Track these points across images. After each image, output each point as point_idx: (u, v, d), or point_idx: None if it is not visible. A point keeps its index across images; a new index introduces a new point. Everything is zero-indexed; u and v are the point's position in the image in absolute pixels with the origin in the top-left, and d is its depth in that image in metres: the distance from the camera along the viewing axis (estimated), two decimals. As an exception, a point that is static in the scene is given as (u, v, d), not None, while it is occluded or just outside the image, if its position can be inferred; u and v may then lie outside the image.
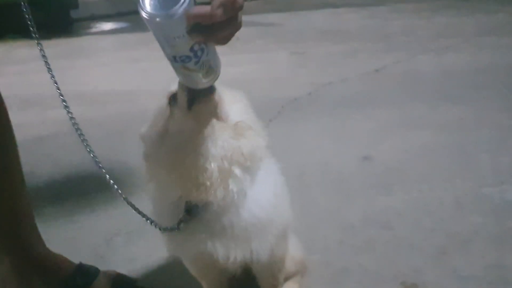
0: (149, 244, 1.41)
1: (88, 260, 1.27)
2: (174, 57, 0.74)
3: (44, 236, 1.23)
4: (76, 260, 1.25)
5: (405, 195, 1.68)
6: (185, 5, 0.66)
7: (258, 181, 0.94)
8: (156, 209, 1.01)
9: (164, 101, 0.93)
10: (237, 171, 0.89)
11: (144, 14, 0.67)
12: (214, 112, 0.88)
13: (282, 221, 1.01)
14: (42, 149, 2.19)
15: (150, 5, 0.67)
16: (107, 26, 6.39)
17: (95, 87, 3.36)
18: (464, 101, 2.61)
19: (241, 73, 3.48)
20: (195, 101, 0.86)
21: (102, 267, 1.26)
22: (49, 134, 2.37)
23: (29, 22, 0.98)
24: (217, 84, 0.90)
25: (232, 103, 0.94)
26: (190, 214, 0.92)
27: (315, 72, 3.45)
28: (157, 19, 0.67)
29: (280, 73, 3.53)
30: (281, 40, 4.69)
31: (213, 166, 0.87)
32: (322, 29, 5.18)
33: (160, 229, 0.98)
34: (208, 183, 0.87)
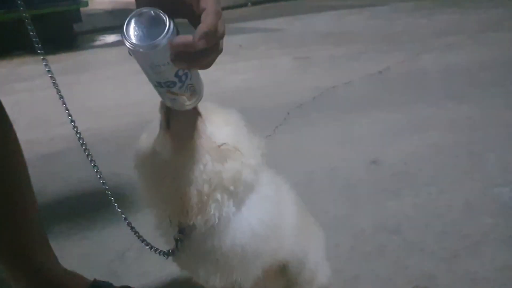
0: (161, 259, 1.41)
1: (101, 276, 1.28)
2: (159, 83, 0.75)
3: (56, 253, 1.24)
4: (89, 276, 1.26)
5: (414, 199, 1.68)
6: (168, 35, 0.68)
7: (247, 206, 0.90)
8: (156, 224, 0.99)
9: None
10: (218, 196, 0.86)
11: (128, 45, 0.69)
12: (193, 133, 0.86)
13: (274, 254, 0.94)
14: (51, 167, 2.21)
15: (134, 36, 0.69)
16: (111, 38, 6.44)
17: (101, 101, 3.39)
18: (470, 100, 2.61)
19: (245, 80, 3.50)
20: (172, 121, 0.85)
21: (115, 283, 1.28)
22: (57, 151, 2.39)
23: (33, 39, 1.00)
24: (209, 106, 0.90)
25: (223, 125, 0.91)
26: (183, 233, 0.91)
27: (319, 76, 3.46)
28: (141, 50, 0.69)
29: (284, 78, 3.53)
30: (284, 45, 4.70)
31: (191, 189, 0.84)
32: (324, 32, 5.19)
33: (161, 255, 0.97)
34: (187, 206, 0.86)
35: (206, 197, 0.85)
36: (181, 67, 0.72)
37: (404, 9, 6.12)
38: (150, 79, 0.76)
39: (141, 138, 0.96)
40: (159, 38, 0.68)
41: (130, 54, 0.72)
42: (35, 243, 1.17)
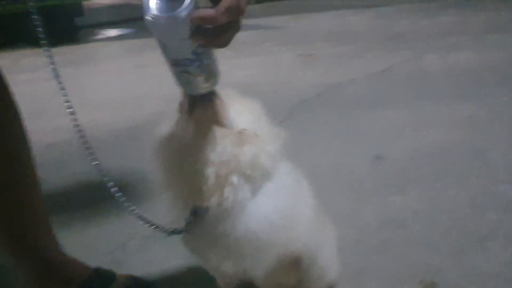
0: (164, 247, 1.41)
1: (104, 265, 1.28)
2: (176, 60, 0.74)
3: (60, 242, 1.23)
4: (92, 264, 1.25)
5: (419, 194, 1.67)
6: (189, 8, 0.68)
7: (264, 193, 0.90)
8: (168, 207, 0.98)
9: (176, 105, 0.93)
10: (234, 179, 0.86)
11: (149, 17, 0.68)
12: (215, 118, 0.87)
13: (287, 244, 0.93)
14: (54, 156, 2.20)
15: (155, 8, 0.68)
16: (113, 32, 6.43)
17: (103, 93, 3.38)
18: (474, 99, 2.60)
19: (249, 76, 3.49)
20: (197, 107, 0.86)
21: (118, 271, 1.27)
22: (60, 141, 2.38)
23: (38, 29, 0.99)
24: (232, 93, 0.91)
25: (243, 112, 0.92)
26: (196, 216, 0.90)
27: (323, 74, 3.45)
28: (161, 22, 0.68)
29: (288, 75, 3.53)
30: (288, 42, 4.69)
31: (210, 171, 0.85)
32: (328, 30, 5.18)
33: (165, 233, 0.96)
34: (204, 188, 0.86)
35: (222, 179, 0.85)
36: (199, 42, 0.71)
37: (408, 10, 6.11)
38: (168, 57, 0.75)
39: (160, 126, 0.96)
40: (180, 9, 0.67)
41: (149, 29, 0.71)
42: (38, 228, 1.16)
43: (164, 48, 0.73)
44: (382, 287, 1.25)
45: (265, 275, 0.94)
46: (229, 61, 3.75)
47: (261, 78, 3.44)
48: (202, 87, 0.81)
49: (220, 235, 0.90)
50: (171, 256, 1.37)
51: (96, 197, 1.79)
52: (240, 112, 0.91)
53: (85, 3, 6.28)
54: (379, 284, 1.25)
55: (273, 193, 0.91)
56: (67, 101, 1.02)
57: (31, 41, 5.08)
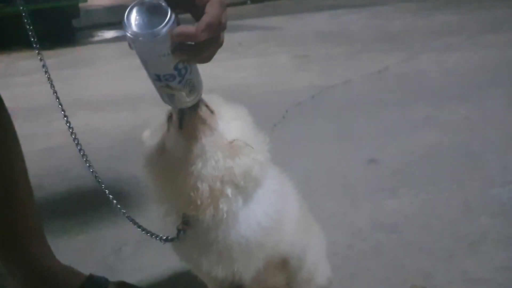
0: (157, 253, 1.41)
1: (97, 271, 1.28)
2: (158, 76, 0.74)
3: (53, 248, 1.24)
4: (85, 271, 1.25)
5: (412, 198, 1.67)
6: (169, 25, 0.68)
7: (254, 200, 0.92)
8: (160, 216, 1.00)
9: (163, 117, 0.93)
10: (229, 191, 0.87)
11: (129, 34, 0.69)
12: (205, 130, 0.87)
13: (275, 246, 0.96)
14: (49, 161, 2.20)
15: (135, 24, 0.68)
16: (109, 34, 6.43)
17: (99, 95, 3.38)
18: (469, 100, 2.61)
19: (244, 78, 3.50)
20: (185, 119, 0.86)
21: (111, 278, 1.27)
22: (56, 145, 2.38)
23: (29, 33, 0.99)
24: (218, 101, 0.91)
25: (231, 120, 0.92)
26: (187, 224, 0.92)
27: (318, 75, 3.45)
28: (141, 38, 0.68)
29: (283, 77, 3.53)
30: (283, 43, 4.70)
31: (204, 185, 0.86)
32: (324, 31, 5.18)
33: (160, 240, 0.98)
34: (198, 201, 0.87)
35: (217, 192, 0.87)
36: (180, 59, 0.72)
37: (404, 10, 6.12)
38: (149, 72, 0.75)
39: (144, 135, 0.97)
40: (160, 27, 0.67)
41: (130, 46, 0.71)
42: (31, 236, 1.17)
43: (146, 64, 0.73)
44: (374, 291, 1.26)
45: (254, 277, 0.96)
46: (224, 63, 3.76)
47: (256, 80, 3.45)
48: (185, 101, 0.81)
49: (212, 242, 0.91)
50: (165, 262, 1.37)
51: (90, 202, 1.79)
52: (227, 121, 0.91)
53: (82, 5, 6.27)
54: (371, 289, 1.26)
55: (262, 199, 0.93)
56: (60, 104, 1.03)
57: (27, 44, 5.07)
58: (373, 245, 1.43)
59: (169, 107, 0.91)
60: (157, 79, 0.75)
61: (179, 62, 0.73)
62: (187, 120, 0.86)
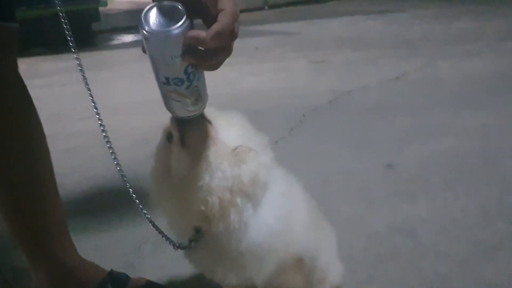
0: (176, 252, 1.43)
1: (117, 268, 1.30)
2: (168, 79, 0.76)
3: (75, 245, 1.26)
4: (106, 268, 1.28)
5: (429, 203, 1.68)
6: (183, 27, 0.70)
7: (263, 205, 0.91)
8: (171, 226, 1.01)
9: (162, 137, 0.94)
10: (239, 200, 0.87)
11: (144, 31, 0.71)
12: (208, 142, 0.87)
13: (287, 248, 0.95)
14: (70, 161, 2.24)
15: (151, 23, 0.71)
16: (129, 38, 6.51)
17: (119, 98, 3.43)
18: (487, 107, 2.60)
19: (261, 82, 3.52)
20: (187, 133, 0.87)
21: (131, 275, 1.29)
22: (76, 146, 2.43)
23: (67, 33, 1.02)
24: (209, 110, 0.90)
25: (229, 127, 0.92)
26: (200, 236, 0.93)
27: (335, 80, 3.46)
28: (155, 36, 0.71)
29: (300, 81, 3.55)
30: (300, 48, 4.71)
31: (213, 198, 0.86)
32: (341, 37, 5.19)
33: (173, 247, 0.99)
34: (209, 215, 0.87)
35: (226, 203, 0.86)
36: (189, 62, 0.73)
37: (422, 16, 6.10)
38: (159, 75, 0.77)
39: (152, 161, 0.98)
40: (174, 27, 0.70)
41: (143, 50, 0.73)
42: (55, 231, 1.19)
43: (157, 65, 0.75)
44: (389, 295, 1.26)
45: (269, 281, 0.96)
46: (241, 67, 3.79)
47: (273, 84, 3.46)
48: (190, 110, 0.82)
49: (225, 251, 0.92)
50: (184, 260, 1.38)
51: (110, 202, 1.83)
52: (225, 129, 0.91)
53: (101, 8, 6.37)
54: (386, 292, 1.27)
55: (270, 201, 0.93)
56: (93, 102, 1.06)
57: (48, 46, 5.17)
58: (390, 249, 1.44)
59: (165, 128, 0.92)
60: (166, 82, 0.77)
61: (188, 66, 0.74)
62: (189, 136, 0.86)
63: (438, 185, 1.80)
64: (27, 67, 4.83)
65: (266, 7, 8.74)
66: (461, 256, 1.38)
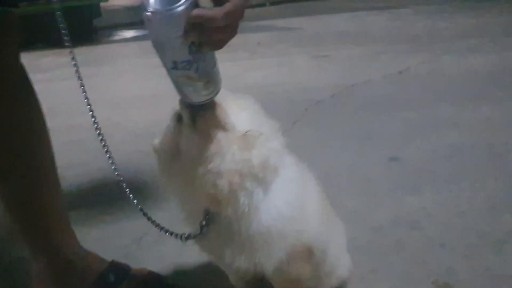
0: (178, 243, 1.42)
1: (119, 259, 1.29)
2: (175, 63, 0.74)
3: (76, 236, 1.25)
4: (107, 259, 1.27)
5: (434, 196, 1.66)
6: (188, 3, 0.68)
7: (273, 190, 0.91)
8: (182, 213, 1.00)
9: (171, 119, 0.93)
10: (248, 184, 0.87)
11: (147, 12, 0.69)
12: (219, 126, 0.86)
13: (298, 235, 0.94)
14: (70, 154, 2.23)
15: (154, 2, 0.69)
16: (129, 33, 6.50)
17: (120, 92, 3.42)
18: (491, 101, 2.58)
19: (263, 76, 3.50)
20: (198, 118, 0.86)
21: (133, 265, 1.28)
22: (77, 139, 2.41)
23: (62, 31, 1.01)
24: (222, 93, 0.89)
25: (240, 111, 0.91)
26: (210, 220, 0.92)
27: (338, 75, 3.44)
28: (160, 16, 0.68)
29: (302, 76, 3.53)
30: (302, 43, 4.69)
31: (223, 181, 0.85)
32: (344, 32, 5.17)
33: (180, 239, 0.98)
34: (219, 198, 0.87)
35: (236, 186, 0.86)
36: (193, 39, 0.71)
37: (425, 12, 6.07)
38: (166, 61, 0.75)
39: (154, 145, 0.97)
40: (177, 4, 0.67)
41: (147, 28, 0.70)
42: (56, 221, 1.18)
43: (162, 50, 0.73)
44: (395, 287, 1.24)
45: (277, 269, 0.95)
46: (244, 62, 3.78)
47: (275, 79, 3.45)
48: (203, 94, 0.81)
49: (234, 234, 0.91)
50: (186, 251, 1.38)
51: (111, 193, 1.81)
52: (237, 112, 0.90)
53: (102, 4, 6.36)
54: (392, 284, 1.25)
55: (281, 187, 0.92)
56: (86, 98, 1.04)
57: (49, 42, 5.15)
58: (394, 241, 1.42)
59: (173, 111, 0.91)
60: (174, 67, 0.75)
61: (191, 46, 0.72)
62: (200, 117, 0.86)
63: (443, 178, 1.78)
64: (28, 62, 4.80)
65: (268, 3, 8.71)
66: (467, 248, 1.36)
